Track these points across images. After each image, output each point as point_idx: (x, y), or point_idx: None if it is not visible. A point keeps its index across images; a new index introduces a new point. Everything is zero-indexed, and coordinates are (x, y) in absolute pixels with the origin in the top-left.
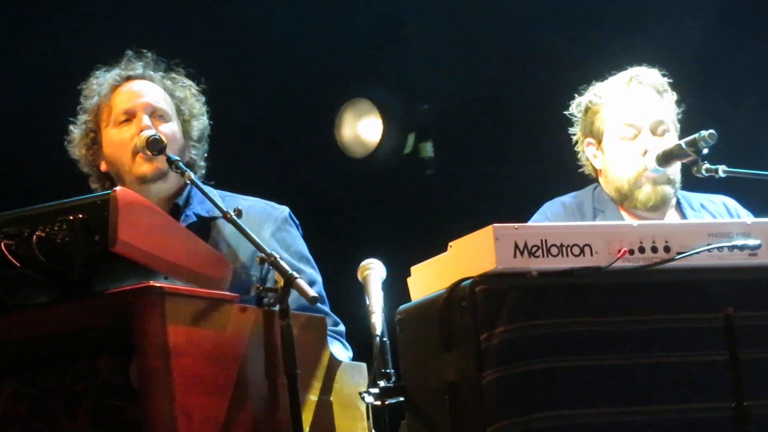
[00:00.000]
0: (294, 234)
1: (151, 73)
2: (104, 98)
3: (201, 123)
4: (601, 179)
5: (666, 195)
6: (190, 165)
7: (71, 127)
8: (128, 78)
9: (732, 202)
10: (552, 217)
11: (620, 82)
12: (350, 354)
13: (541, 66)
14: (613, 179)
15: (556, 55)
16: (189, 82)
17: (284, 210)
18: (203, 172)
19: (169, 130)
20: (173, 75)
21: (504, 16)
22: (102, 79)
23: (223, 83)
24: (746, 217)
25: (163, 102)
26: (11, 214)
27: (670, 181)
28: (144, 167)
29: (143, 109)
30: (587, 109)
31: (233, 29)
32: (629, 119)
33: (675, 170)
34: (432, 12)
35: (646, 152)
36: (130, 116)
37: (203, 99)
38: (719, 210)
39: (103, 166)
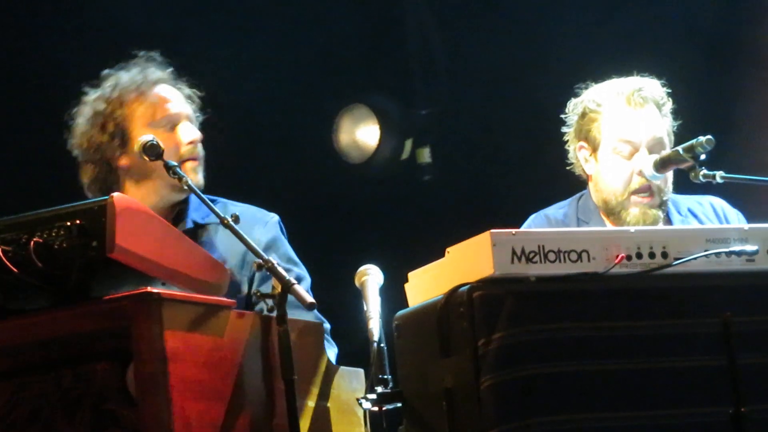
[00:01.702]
0: (282, 239)
1: (176, 83)
2: (141, 95)
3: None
4: (590, 184)
5: (655, 219)
6: None
7: (85, 108)
8: (158, 81)
9: (719, 202)
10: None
11: (621, 96)
12: (336, 351)
13: (539, 71)
14: (603, 190)
15: (555, 61)
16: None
17: (274, 216)
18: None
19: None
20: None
21: (501, 22)
22: (140, 76)
23: (222, 88)
24: (734, 216)
25: (191, 111)
26: (9, 219)
27: (662, 204)
28: (191, 176)
29: (187, 117)
30: (584, 114)
31: (231, 34)
32: (628, 136)
33: (667, 190)
34: (430, 18)
35: (641, 171)
36: (174, 122)
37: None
38: (706, 211)
39: (124, 161)
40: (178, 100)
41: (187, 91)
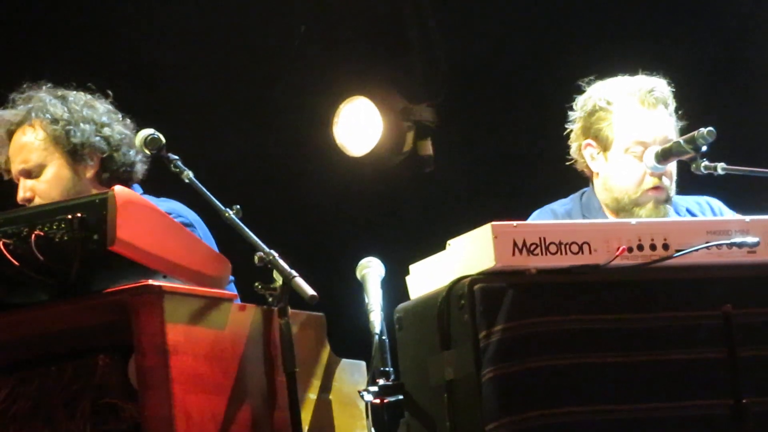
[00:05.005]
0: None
1: (32, 116)
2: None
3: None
4: (596, 181)
5: (666, 213)
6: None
7: None
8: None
9: (717, 203)
10: None
11: (634, 96)
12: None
13: (541, 65)
14: (614, 189)
15: (558, 54)
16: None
17: (189, 217)
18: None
19: (43, 180)
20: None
21: (504, 14)
22: None
23: (222, 83)
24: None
25: (34, 153)
26: (10, 213)
27: (668, 199)
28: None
29: (18, 174)
30: (593, 112)
31: (232, 26)
32: (642, 138)
33: (673, 186)
34: (432, 9)
35: (653, 171)
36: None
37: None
38: (704, 210)
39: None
40: (13, 157)
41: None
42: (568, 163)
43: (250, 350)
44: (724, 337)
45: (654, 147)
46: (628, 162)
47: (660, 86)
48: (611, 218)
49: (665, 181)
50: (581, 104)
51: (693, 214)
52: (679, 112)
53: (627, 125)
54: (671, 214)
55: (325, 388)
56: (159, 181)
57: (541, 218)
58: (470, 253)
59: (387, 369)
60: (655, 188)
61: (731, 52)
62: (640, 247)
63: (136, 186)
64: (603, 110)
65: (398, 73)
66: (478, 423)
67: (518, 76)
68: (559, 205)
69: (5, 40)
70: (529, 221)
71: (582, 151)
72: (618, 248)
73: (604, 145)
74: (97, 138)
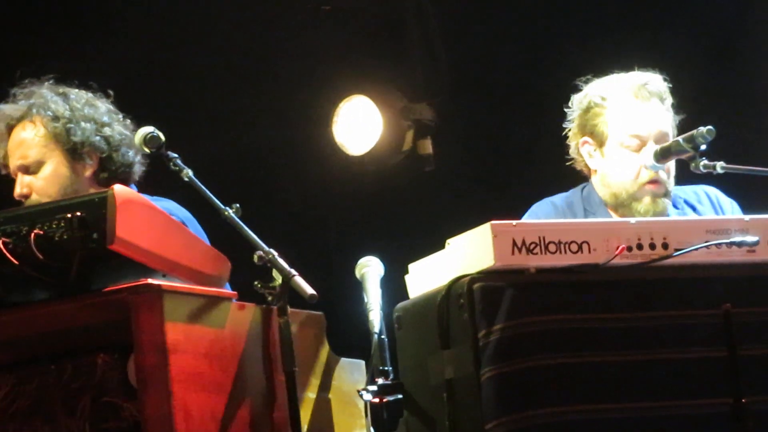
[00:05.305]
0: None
1: (33, 112)
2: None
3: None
4: (594, 178)
5: (664, 207)
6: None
7: None
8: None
9: (713, 191)
10: (543, 217)
11: (628, 89)
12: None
13: (542, 64)
14: (611, 185)
15: (558, 54)
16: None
17: (179, 213)
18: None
19: (41, 177)
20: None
21: (505, 12)
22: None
23: (221, 81)
24: (728, 205)
25: (33, 149)
26: (10, 211)
27: (667, 193)
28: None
29: (15, 169)
30: (589, 109)
31: (232, 24)
32: (636, 131)
33: (671, 180)
34: (432, 8)
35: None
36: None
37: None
38: (701, 199)
39: None
40: (11, 153)
41: (51, 114)
42: (568, 163)
43: (249, 349)
44: (723, 336)
45: (651, 144)
46: (623, 156)
47: (654, 80)
48: (612, 214)
49: (662, 174)
50: (577, 102)
51: (690, 205)
52: (675, 106)
53: (621, 119)
54: (670, 210)
55: (325, 387)
56: (154, 179)
57: (541, 210)
58: (470, 252)
59: (386, 368)
60: (653, 182)
61: (730, 50)
62: (640, 246)
63: (133, 186)
64: (598, 106)
65: (398, 72)
66: (478, 422)
67: (518, 75)
68: (560, 198)
69: (6, 35)
70: (528, 214)
71: (580, 149)
72: (617, 247)
73: (600, 141)
74: (98, 137)
